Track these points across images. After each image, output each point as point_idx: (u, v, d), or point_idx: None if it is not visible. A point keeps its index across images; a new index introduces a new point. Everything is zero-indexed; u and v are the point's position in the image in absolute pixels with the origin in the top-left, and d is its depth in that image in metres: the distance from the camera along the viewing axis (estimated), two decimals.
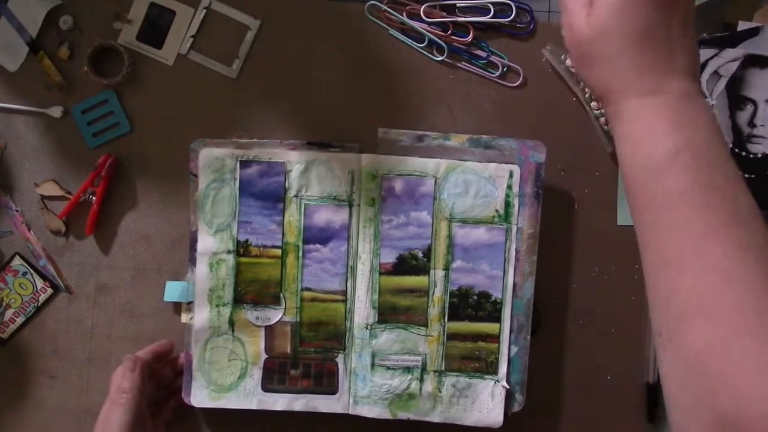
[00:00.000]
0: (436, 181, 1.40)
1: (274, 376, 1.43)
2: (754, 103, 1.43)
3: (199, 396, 1.43)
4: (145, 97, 1.49)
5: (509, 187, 1.40)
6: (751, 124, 1.43)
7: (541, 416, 1.48)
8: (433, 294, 1.41)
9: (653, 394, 1.47)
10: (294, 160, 1.41)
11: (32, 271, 1.49)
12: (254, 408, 1.43)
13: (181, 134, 1.47)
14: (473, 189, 1.40)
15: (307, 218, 1.42)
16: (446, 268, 1.41)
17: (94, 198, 1.46)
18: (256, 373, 1.43)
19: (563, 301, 1.49)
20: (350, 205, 1.42)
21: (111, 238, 1.50)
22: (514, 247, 1.40)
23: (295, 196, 1.42)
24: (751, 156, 1.43)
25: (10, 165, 1.49)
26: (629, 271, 1.49)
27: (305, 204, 1.42)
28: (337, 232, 1.42)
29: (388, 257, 1.41)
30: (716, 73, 1.42)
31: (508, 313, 1.41)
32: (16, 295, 1.49)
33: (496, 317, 1.41)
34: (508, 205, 1.40)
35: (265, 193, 1.41)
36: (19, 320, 1.50)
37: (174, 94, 1.49)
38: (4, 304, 1.49)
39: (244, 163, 1.41)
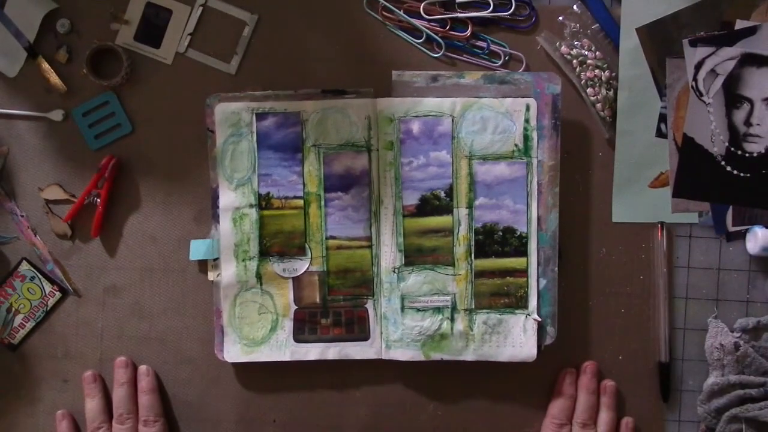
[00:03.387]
0: (453, 120, 1.40)
1: (305, 327, 1.43)
2: (751, 101, 1.41)
3: (232, 351, 1.43)
4: (146, 97, 1.48)
5: (527, 120, 1.40)
6: (748, 123, 1.43)
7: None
8: (458, 233, 1.41)
9: (666, 373, 1.47)
10: (309, 109, 1.41)
11: (40, 276, 1.49)
12: (287, 359, 1.43)
13: (182, 133, 1.48)
14: (491, 125, 1.40)
15: (326, 166, 1.42)
16: (469, 206, 1.41)
17: (98, 200, 1.46)
18: (287, 325, 1.43)
19: (574, 277, 1.49)
20: (369, 151, 1.42)
21: (117, 240, 1.50)
22: (535, 180, 1.40)
23: (313, 145, 1.42)
24: (747, 155, 1.43)
25: (14, 170, 1.49)
26: (636, 249, 1.48)
27: (324, 152, 1.42)
28: (358, 178, 1.42)
29: (411, 199, 1.41)
30: (713, 72, 1.41)
31: (534, 246, 1.41)
32: (24, 300, 1.49)
33: (522, 251, 1.41)
34: (527, 138, 1.40)
35: (283, 144, 1.42)
36: (29, 325, 1.49)
37: (174, 92, 1.48)
38: (14, 309, 1.49)
39: (260, 116, 1.41)
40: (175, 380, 1.49)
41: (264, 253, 1.42)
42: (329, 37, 1.48)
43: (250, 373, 1.47)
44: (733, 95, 1.41)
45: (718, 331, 1.44)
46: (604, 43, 1.45)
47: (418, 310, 1.41)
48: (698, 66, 1.41)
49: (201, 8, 1.47)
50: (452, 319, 1.41)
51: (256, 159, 1.42)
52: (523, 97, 1.40)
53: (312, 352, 1.43)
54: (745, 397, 1.42)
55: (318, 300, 1.43)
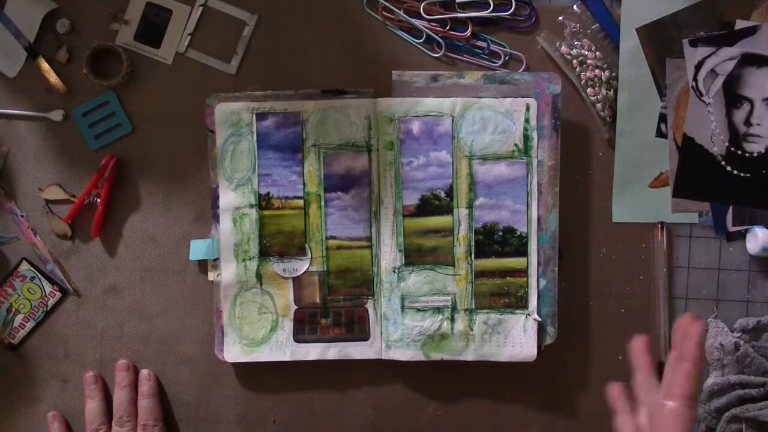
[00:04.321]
0: (453, 120, 1.40)
1: (305, 327, 1.43)
2: (751, 101, 1.40)
3: (232, 351, 1.43)
4: (146, 97, 1.49)
5: (527, 120, 1.40)
6: (748, 122, 1.42)
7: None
8: (458, 233, 1.41)
9: None
10: (309, 109, 1.42)
11: (40, 276, 1.49)
12: (287, 359, 1.43)
13: (182, 133, 1.48)
14: (491, 125, 1.40)
15: (326, 167, 1.42)
16: (469, 206, 1.41)
17: (98, 200, 1.46)
18: (287, 325, 1.43)
19: (574, 277, 1.49)
20: (369, 151, 1.42)
21: (117, 240, 1.50)
22: (535, 180, 1.41)
23: (314, 145, 1.42)
24: (747, 155, 1.43)
25: (14, 170, 1.49)
26: (636, 249, 1.49)
27: (324, 152, 1.42)
28: (358, 178, 1.42)
29: (411, 199, 1.41)
30: (713, 72, 1.41)
31: (535, 246, 1.41)
32: (24, 301, 1.49)
33: (522, 251, 1.41)
34: (527, 138, 1.40)
35: (283, 144, 1.42)
36: (29, 325, 1.49)
37: (174, 92, 1.48)
38: (14, 309, 1.49)
39: (260, 116, 1.42)
40: (175, 380, 1.49)
41: (264, 253, 1.43)
42: (329, 37, 1.48)
43: (250, 373, 1.48)
44: (733, 95, 1.41)
45: (718, 331, 1.44)
46: (604, 43, 1.45)
47: (418, 310, 1.41)
48: (698, 66, 1.41)
49: (201, 8, 1.47)
50: (452, 319, 1.41)
51: (256, 159, 1.42)
52: (523, 97, 1.40)
53: (312, 352, 1.43)
54: (745, 397, 1.41)
55: (318, 300, 1.43)
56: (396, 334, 1.41)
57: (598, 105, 1.44)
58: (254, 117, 1.41)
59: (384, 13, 1.46)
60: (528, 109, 1.39)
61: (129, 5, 1.47)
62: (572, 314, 1.46)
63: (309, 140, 1.42)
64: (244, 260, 1.42)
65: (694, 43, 1.41)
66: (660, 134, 1.45)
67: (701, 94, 1.41)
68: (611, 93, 1.44)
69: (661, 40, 1.43)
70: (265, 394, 1.48)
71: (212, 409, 1.49)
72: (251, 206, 1.42)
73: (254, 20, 1.48)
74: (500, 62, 1.47)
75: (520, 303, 1.41)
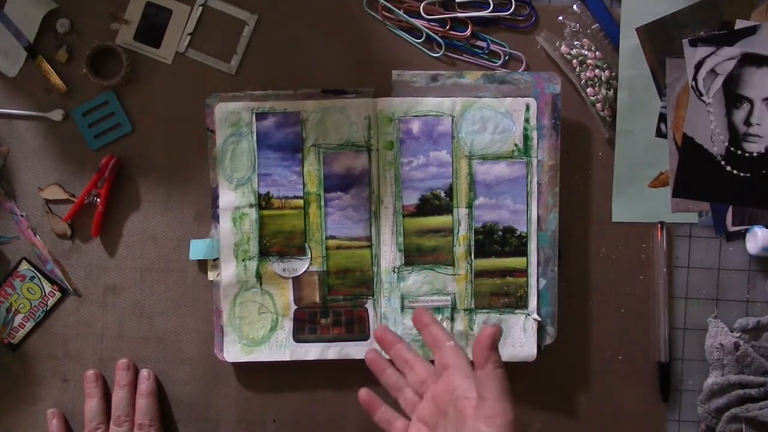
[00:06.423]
0: (453, 120, 1.40)
1: (305, 327, 1.43)
2: (751, 101, 1.40)
3: (232, 351, 1.43)
4: (145, 97, 1.48)
5: (527, 120, 1.40)
6: (747, 122, 1.42)
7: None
8: (457, 233, 1.41)
9: (666, 373, 1.47)
10: (309, 109, 1.41)
11: (40, 276, 1.49)
12: (287, 359, 1.43)
13: (182, 133, 1.48)
14: (491, 125, 1.40)
15: (326, 166, 1.42)
16: (469, 206, 1.41)
17: (98, 200, 1.46)
18: (287, 325, 1.43)
19: (574, 277, 1.49)
20: (369, 150, 1.42)
21: (117, 239, 1.50)
22: (535, 180, 1.41)
23: (313, 145, 1.42)
24: (747, 155, 1.43)
25: (14, 170, 1.49)
26: (636, 249, 1.48)
27: (324, 152, 1.42)
28: (358, 178, 1.42)
29: (411, 199, 1.41)
30: (713, 72, 1.41)
31: (534, 246, 1.41)
32: (24, 300, 1.49)
33: (522, 251, 1.41)
34: (526, 138, 1.40)
35: (283, 144, 1.42)
36: (29, 325, 1.49)
37: (174, 92, 1.48)
38: (14, 309, 1.48)
39: (260, 116, 1.41)
40: (175, 380, 1.49)
41: (264, 253, 1.42)
42: (329, 37, 1.48)
43: (250, 373, 1.47)
44: (733, 95, 1.41)
45: (718, 331, 1.44)
46: (604, 43, 1.45)
47: None
48: (698, 66, 1.41)
49: (201, 8, 1.47)
50: (452, 319, 1.41)
51: (256, 159, 1.42)
52: (523, 97, 1.40)
53: (312, 352, 1.43)
54: (745, 396, 1.41)
55: (318, 300, 1.43)
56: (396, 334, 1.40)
57: (598, 105, 1.44)
58: (254, 117, 1.41)
59: (384, 13, 1.46)
60: (528, 108, 1.39)
61: (129, 5, 1.47)
62: (572, 314, 1.45)
63: (309, 140, 1.42)
64: (243, 260, 1.42)
65: (694, 43, 1.41)
66: (660, 134, 1.45)
67: (701, 94, 1.42)
68: (611, 93, 1.44)
69: (661, 40, 1.43)
70: (265, 394, 1.48)
71: (212, 409, 1.48)
72: (251, 206, 1.42)
73: (254, 20, 1.47)
74: (500, 62, 1.47)
75: (520, 303, 1.41)
